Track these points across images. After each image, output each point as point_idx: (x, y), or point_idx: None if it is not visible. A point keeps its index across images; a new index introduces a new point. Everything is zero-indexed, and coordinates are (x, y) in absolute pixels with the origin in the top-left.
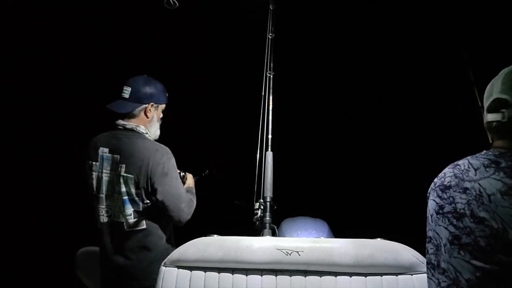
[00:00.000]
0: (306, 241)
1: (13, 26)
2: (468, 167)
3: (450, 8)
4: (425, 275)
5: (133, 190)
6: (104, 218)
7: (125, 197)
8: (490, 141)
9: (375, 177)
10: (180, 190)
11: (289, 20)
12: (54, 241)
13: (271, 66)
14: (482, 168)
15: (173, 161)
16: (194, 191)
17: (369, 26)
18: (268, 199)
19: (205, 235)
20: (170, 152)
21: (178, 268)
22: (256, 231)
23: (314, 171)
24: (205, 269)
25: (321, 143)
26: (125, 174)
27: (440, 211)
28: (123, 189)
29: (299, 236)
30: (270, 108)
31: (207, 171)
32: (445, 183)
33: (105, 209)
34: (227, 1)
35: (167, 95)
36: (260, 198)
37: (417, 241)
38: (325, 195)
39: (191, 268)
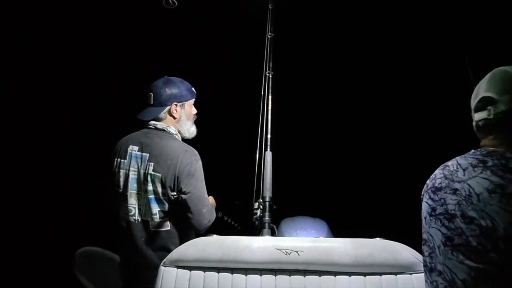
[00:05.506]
0: (306, 240)
1: (11, 27)
2: (457, 168)
3: (451, 9)
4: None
5: (159, 189)
6: (130, 217)
7: (151, 196)
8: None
9: (374, 177)
10: (204, 194)
11: (289, 20)
12: (53, 241)
13: (270, 65)
14: (470, 168)
15: (200, 163)
16: (214, 207)
17: (369, 26)
18: (267, 199)
19: (204, 235)
20: (198, 154)
21: (177, 268)
22: (255, 231)
23: (313, 171)
24: (204, 269)
25: (320, 143)
26: (152, 173)
27: (433, 213)
28: (150, 187)
29: (298, 235)
30: (269, 107)
31: (220, 214)
32: (436, 184)
33: (132, 207)
34: (227, 0)
35: (193, 90)
36: (259, 198)
37: (416, 241)
38: (324, 195)
39: (190, 268)
